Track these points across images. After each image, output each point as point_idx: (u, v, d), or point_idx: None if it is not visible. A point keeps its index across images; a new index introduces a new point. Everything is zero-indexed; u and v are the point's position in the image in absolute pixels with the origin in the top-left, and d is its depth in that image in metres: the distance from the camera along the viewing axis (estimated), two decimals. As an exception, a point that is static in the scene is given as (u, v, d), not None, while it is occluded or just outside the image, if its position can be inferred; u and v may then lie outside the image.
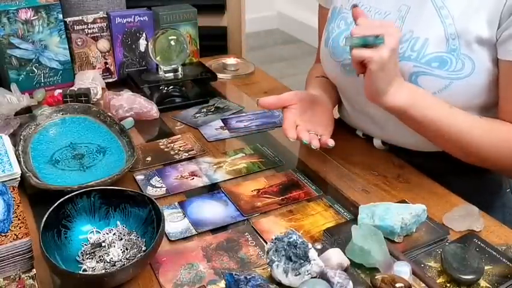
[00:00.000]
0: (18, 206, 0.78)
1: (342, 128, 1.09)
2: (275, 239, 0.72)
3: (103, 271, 0.73)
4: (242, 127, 1.16)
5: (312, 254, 0.70)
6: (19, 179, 0.91)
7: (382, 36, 0.79)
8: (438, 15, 0.87)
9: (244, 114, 1.22)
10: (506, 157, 0.88)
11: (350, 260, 0.73)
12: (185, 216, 0.86)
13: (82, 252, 0.77)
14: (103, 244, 0.77)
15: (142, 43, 1.38)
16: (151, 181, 0.96)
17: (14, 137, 1.03)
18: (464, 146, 0.88)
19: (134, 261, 0.72)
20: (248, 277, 0.68)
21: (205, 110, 1.24)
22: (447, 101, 0.88)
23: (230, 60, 1.52)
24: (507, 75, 0.86)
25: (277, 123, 1.18)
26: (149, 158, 1.03)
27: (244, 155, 1.05)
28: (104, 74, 1.37)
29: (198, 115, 1.22)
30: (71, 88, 1.26)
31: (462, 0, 0.86)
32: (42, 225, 0.72)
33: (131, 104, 1.18)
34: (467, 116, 0.88)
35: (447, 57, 0.86)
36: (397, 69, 0.84)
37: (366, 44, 0.79)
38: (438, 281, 0.72)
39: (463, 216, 0.83)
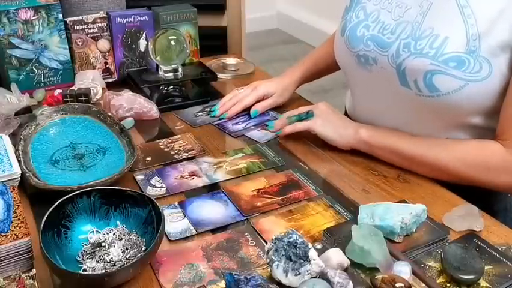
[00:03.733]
0: (18, 206, 0.78)
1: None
2: (275, 239, 0.72)
3: (103, 271, 0.73)
4: (242, 129, 1.16)
5: (312, 254, 0.70)
6: (19, 179, 0.91)
7: (312, 112, 1.05)
8: (461, 14, 0.86)
9: (235, 116, 1.21)
10: (473, 169, 0.90)
11: (350, 260, 0.73)
12: (185, 216, 0.86)
13: (82, 252, 0.77)
14: (103, 244, 0.77)
15: (142, 43, 1.38)
16: (151, 181, 0.96)
17: (14, 137, 1.03)
18: (429, 165, 0.93)
19: (134, 261, 0.72)
20: (248, 277, 0.68)
21: (208, 109, 1.24)
22: (460, 102, 0.87)
23: (230, 60, 1.53)
24: None
25: (271, 120, 1.19)
26: (149, 158, 1.03)
27: (244, 155, 1.05)
28: (104, 74, 1.37)
29: (199, 114, 1.22)
30: (71, 88, 1.26)
31: (487, 1, 0.84)
32: (42, 225, 0.72)
33: (131, 104, 1.18)
34: (429, 138, 0.94)
35: (465, 58, 0.85)
36: (343, 119, 1.04)
37: (301, 119, 1.07)
38: (438, 281, 0.72)
39: (463, 216, 0.83)
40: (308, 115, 1.06)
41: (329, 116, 1.04)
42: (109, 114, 1.10)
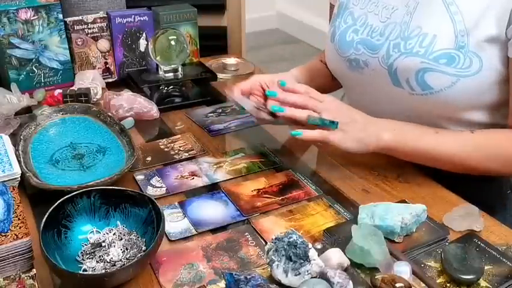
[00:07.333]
0: (18, 206, 0.78)
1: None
2: (275, 239, 0.72)
3: (103, 271, 0.73)
4: (222, 128, 1.16)
5: (312, 254, 0.70)
6: (19, 179, 0.91)
7: (337, 122, 0.90)
8: (448, 11, 0.87)
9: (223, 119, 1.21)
10: (502, 165, 0.89)
11: (350, 260, 0.73)
12: (185, 216, 0.86)
13: (82, 252, 0.77)
14: (103, 244, 0.77)
15: (142, 43, 1.38)
16: (151, 181, 0.96)
17: (14, 137, 1.03)
18: (459, 164, 0.90)
19: (134, 261, 0.72)
20: (248, 277, 0.68)
21: (220, 110, 1.24)
22: (453, 98, 0.88)
23: (230, 60, 1.53)
24: None
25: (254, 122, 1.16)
26: (149, 158, 1.03)
27: (244, 155, 1.05)
28: (104, 74, 1.37)
29: (210, 115, 1.22)
30: (71, 88, 1.26)
31: None
32: (42, 225, 0.72)
33: (131, 104, 1.18)
34: (456, 136, 0.91)
35: (455, 54, 0.86)
36: (364, 128, 0.91)
37: (323, 123, 0.90)
38: (438, 281, 0.72)
39: (463, 216, 0.83)
40: (333, 124, 0.90)
41: (349, 127, 0.91)
42: (109, 114, 1.10)
